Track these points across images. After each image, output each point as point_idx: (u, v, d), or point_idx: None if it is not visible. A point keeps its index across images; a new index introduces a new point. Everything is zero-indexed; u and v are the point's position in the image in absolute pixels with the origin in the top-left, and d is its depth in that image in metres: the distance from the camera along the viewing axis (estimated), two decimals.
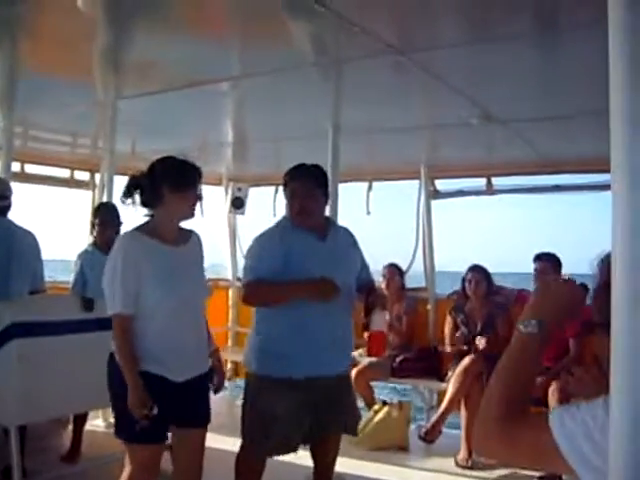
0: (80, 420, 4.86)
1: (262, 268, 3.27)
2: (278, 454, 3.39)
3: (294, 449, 3.38)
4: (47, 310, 3.71)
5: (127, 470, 2.93)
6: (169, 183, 2.87)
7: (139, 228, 2.97)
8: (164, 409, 2.81)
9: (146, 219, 2.99)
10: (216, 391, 3.19)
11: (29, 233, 4.49)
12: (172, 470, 3.13)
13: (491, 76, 3.62)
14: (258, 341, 3.41)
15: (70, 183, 6.98)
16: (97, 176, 6.84)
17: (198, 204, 2.98)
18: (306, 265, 3.26)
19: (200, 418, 3.07)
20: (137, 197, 2.96)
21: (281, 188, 3.52)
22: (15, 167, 6.14)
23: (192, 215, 2.98)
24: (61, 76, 3.97)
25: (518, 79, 3.65)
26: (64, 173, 6.90)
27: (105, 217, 4.95)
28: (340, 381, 3.52)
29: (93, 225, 5.01)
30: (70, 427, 4.90)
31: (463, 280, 5.79)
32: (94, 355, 3.75)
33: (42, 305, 3.90)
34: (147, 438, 2.85)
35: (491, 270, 5.79)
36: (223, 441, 3.90)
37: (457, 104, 4.08)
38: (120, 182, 6.75)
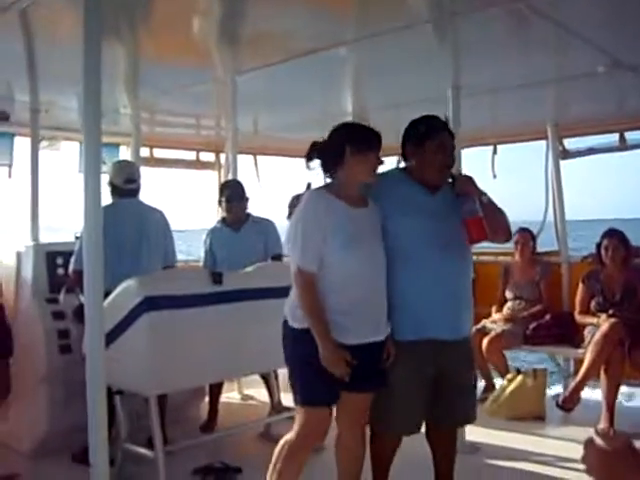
0: (216, 391, 5.02)
1: None
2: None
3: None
4: (177, 284, 3.82)
5: (293, 433, 2.99)
6: (352, 146, 2.91)
7: (324, 187, 3.03)
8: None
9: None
10: (386, 361, 3.06)
11: (158, 212, 4.67)
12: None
13: (617, 19, 3.37)
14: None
15: (197, 165, 7.22)
16: (222, 157, 7.03)
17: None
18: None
19: (369, 383, 3.05)
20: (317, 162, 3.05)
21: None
22: (144, 152, 6.42)
23: (373, 178, 3.02)
24: (180, 58, 4.08)
25: None
26: (190, 155, 7.14)
27: (232, 194, 5.07)
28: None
29: (220, 203, 5.15)
30: (206, 399, 5.08)
31: (598, 246, 5.50)
32: (225, 327, 3.89)
33: (172, 279, 4.02)
34: (322, 400, 2.94)
35: (625, 216, 5.47)
36: None
37: (583, 52, 3.83)
38: (244, 161, 7.03)
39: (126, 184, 4.52)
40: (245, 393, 5.99)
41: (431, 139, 3.10)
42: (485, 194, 3.19)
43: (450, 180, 3.19)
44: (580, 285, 5.57)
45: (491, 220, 3.15)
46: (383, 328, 3.04)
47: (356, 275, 2.94)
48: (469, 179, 3.20)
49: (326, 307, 2.89)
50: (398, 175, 3.27)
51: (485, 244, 6.77)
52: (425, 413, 3.19)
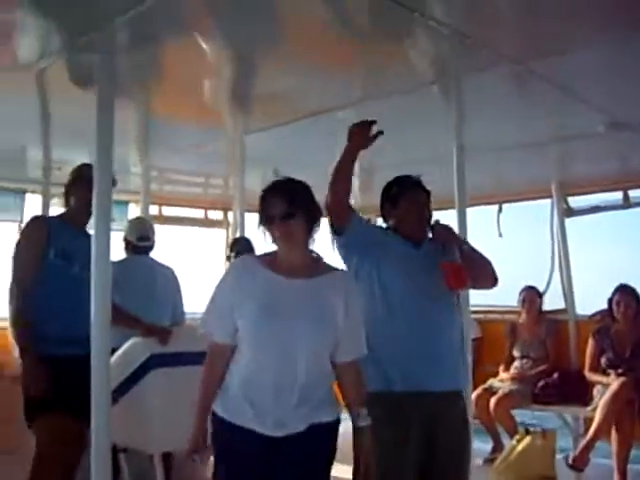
0: None
1: None
2: None
3: None
4: (184, 341, 3.83)
5: None
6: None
7: (263, 254, 2.77)
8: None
9: None
10: None
11: (169, 269, 4.72)
12: None
13: (615, 79, 3.46)
14: None
15: (205, 223, 7.28)
16: (229, 215, 7.09)
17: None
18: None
19: None
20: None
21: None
22: (153, 210, 6.49)
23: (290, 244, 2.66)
24: (190, 118, 4.17)
25: None
26: (199, 213, 7.21)
27: (242, 250, 5.12)
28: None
29: (229, 259, 5.19)
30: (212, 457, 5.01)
31: (610, 301, 5.49)
32: None
33: (179, 337, 4.03)
34: None
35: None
36: None
37: (582, 113, 3.92)
38: (252, 219, 7.09)
39: (139, 241, 4.61)
40: None
41: (404, 197, 3.20)
42: (466, 242, 3.28)
43: (431, 230, 3.22)
44: (590, 341, 5.54)
45: (473, 267, 3.16)
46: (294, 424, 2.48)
47: (264, 359, 2.48)
48: (447, 228, 3.23)
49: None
50: (384, 232, 3.30)
51: (493, 302, 6.79)
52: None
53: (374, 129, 3.04)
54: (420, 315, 3.03)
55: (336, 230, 3.05)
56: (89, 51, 2.88)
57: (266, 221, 2.57)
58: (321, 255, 2.69)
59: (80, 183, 3.48)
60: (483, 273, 3.28)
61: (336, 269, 2.71)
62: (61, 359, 3.26)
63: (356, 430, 2.58)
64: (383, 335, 2.95)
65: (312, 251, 2.65)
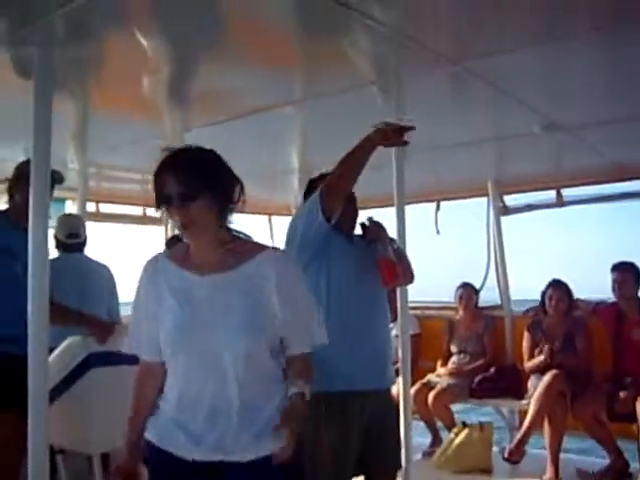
0: None
1: None
2: None
3: None
4: (122, 340, 3.78)
5: None
6: None
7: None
8: None
9: None
10: None
11: (104, 267, 4.63)
12: None
13: (551, 81, 3.56)
14: None
15: (143, 220, 7.18)
16: None
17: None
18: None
19: None
20: None
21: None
22: (90, 207, 6.38)
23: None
24: (129, 115, 4.11)
25: (580, 82, 3.57)
26: (137, 211, 7.11)
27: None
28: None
29: None
30: None
31: (543, 295, 5.65)
32: None
33: (117, 336, 3.98)
34: None
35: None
36: None
37: (518, 113, 4.02)
38: None
39: (69, 238, 4.48)
40: None
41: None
42: (394, 240, 3.34)
43: (362, 227, 3.26)
44: (525, 334, 5.70)
45: (402, 265, 3.23)
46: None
47: (191, 377, 2.11)
48: (380, 225, 3.27)
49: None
50: None
51: (430, 298, 6.90)
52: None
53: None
54: (359, 312, 3.04)
55: (326, 216, 2.91)
56: (27, 44, 2.81)
57: (164, 204, 2.08)
58: (246, 234, 2.23)
59: (24, 180, 3.40)
60: (409, 270, 3.36)
61: (264, 248, 2.19)
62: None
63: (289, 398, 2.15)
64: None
65: (235, 233, 2.20)
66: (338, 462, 2.97)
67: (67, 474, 3.82)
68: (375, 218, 3.29)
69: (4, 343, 3.22)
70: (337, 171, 2.93)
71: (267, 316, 2.09)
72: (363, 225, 3.26)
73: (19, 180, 3.51)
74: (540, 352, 5.44)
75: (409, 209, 4.54)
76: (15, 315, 2.98)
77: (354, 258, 3.13)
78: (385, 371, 3.17)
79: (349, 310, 3.02)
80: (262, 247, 2.19)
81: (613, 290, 5.21)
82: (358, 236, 3.26)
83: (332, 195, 2.90)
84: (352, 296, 3.06)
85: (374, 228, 3.25)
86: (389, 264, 3.12)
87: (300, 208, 3.03)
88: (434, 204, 6.83)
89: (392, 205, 4.09)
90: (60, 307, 3.39)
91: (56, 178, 3.29)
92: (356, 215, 3.27)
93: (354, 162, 2.93)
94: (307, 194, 3.20)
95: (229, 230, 2.18)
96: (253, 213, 8.14)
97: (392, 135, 2.96)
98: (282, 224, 7.82)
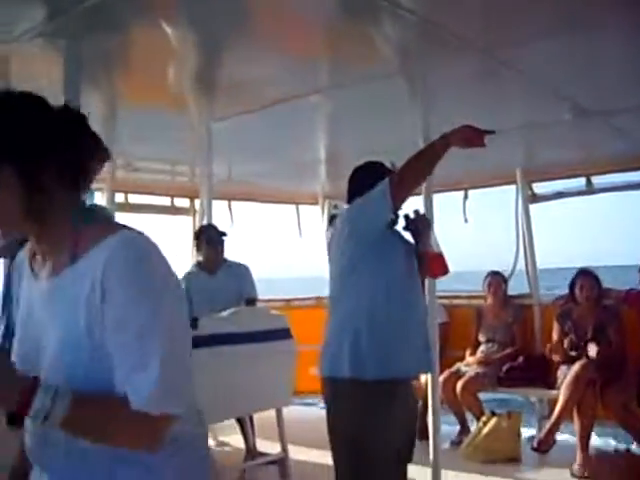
0: None
1: None
2: None
3: None
4: None
5: None
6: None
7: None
8: None
9: None
10: None
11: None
12: None
13: (581, 68, 3.51)
14: None
15: (171, 210, 7.23)
16: (196, 202, 7.06)
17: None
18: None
19: None
20: None
21: None
22: (119, 198, 6.43)
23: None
24: (156, 105, 4.13)
25: (611, 68, 3.53)
26: (165, 201, 7.16)
27: (212, 236, 5.11)
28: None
29: (198, 246, 5.16)
30: None
31: (571, 285, 5.60)
32: (200, 371, 3.86)
33: None
34: None
35: (594, 263, 5.61)
36: None
37: (548, 100, 3.97)
38: (219, 207, 7.07)
39: None
40: (220, 439, 5.93)
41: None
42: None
43: (405, 219, 3.25)
44: (554, 324, 5.66)
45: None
46: None
47: None
48: (427, 219, 3.33)
49: None
50: None
51: (459, 286, 6.85)
52: None
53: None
54: (411, 304, 3.06)
55: (396, 205, 2.94)
56: (56, 36, 2.84)
57: None
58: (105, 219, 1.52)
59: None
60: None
61: (106, 237, 1.37)
62: None
63: None
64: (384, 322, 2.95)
65: (88, 214, 1.50)
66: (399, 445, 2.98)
67: None
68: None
69: None
70: (409, 166, 2.91)
71: (80, 338, 1.34)
72: (407, 217, 3.25)
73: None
74: (569, 342, 5.39)
75: (437, 198, 4.54)
76: None
77: (403, 251, 3.15)
78: (431, 358, 3.31)
79: (405, 303, 3.04)
80: (109, 232, 1.39)
81: None
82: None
83: (403, 186, 2.88)
84: (406, 290, 3.07)
85: (423, 221, 3.26)
86: (437, 257, 3.17)
87: (364, 197, 2.98)
88: (462, 193, 6.79)
89: (419, 194, 4.07)
90: None
91: None
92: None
93: (427, 160, 2.95)
94: (352, 181, 3.22)
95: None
96: (281, 203, 8.16)
97: (474, 136, 2.96)
98: (309, 213, 7.83)
